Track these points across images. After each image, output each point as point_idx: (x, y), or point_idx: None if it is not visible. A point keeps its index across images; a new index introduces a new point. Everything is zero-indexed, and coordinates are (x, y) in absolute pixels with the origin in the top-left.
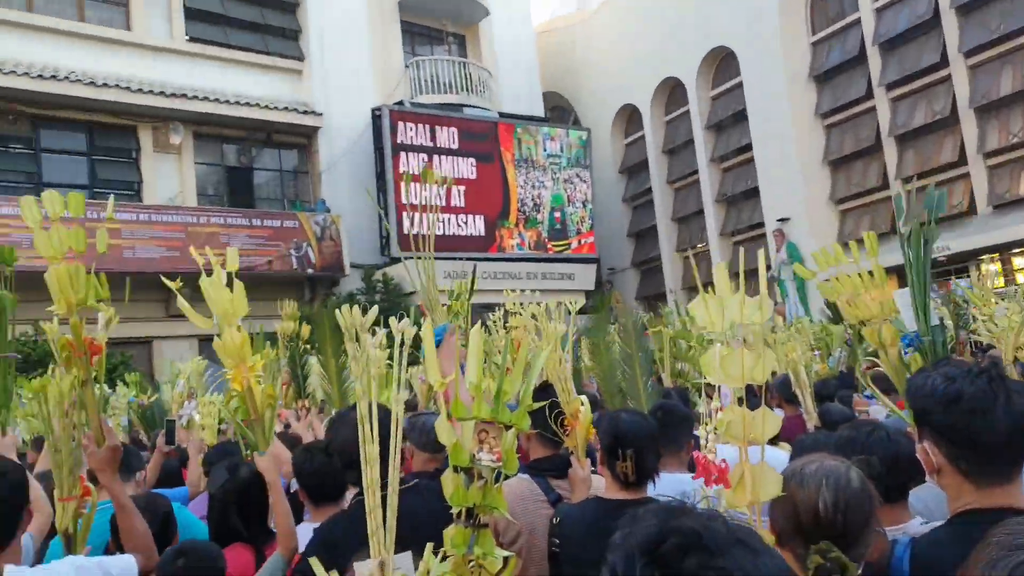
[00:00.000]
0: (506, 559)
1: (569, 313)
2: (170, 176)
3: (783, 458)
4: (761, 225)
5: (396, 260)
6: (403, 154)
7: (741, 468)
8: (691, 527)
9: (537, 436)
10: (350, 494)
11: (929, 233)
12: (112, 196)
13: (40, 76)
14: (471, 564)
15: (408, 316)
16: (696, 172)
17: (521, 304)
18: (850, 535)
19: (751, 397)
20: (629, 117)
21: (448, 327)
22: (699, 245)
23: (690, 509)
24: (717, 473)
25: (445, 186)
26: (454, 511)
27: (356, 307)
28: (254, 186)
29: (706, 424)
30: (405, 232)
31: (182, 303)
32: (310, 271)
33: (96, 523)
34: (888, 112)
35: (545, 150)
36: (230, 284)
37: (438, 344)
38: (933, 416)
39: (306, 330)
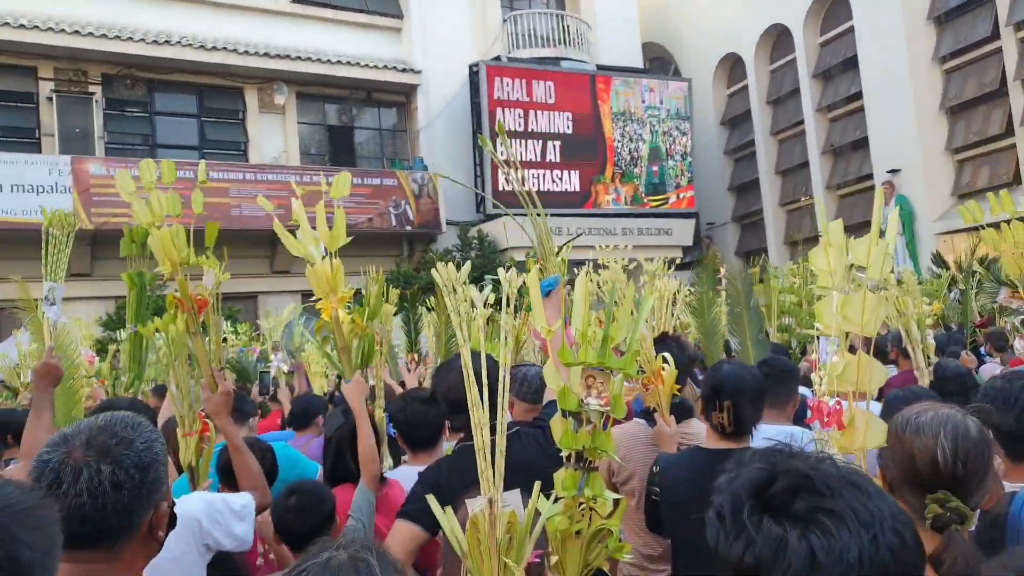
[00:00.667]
0: (616, 501)
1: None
2: (275, 136)
3: (876, 409)
4: (869, 177)
5: (491, 217)
6: (499, 110)
7: (851, 413)
8: (801, 469)
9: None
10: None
11: None
12: (202, 161)
13: (154, 42)
14: (581, 506)
15: (505, 271)
16: (802, 122)
17: (613, 260)
18: (968, 484)
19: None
20: (732, 67)
21: (559, 279)
22: (804, 198)
23: (799, 452)
24: (830, 415)
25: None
26: (564, 454)
27: (451, 264)
28: (355, 144)
29: (820, 370)
30: (500, 188)
31: (279, 228)
32: (408, 228)
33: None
34: (1016, 54)
35: (644, 102)
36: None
37: (548, 294)
38: None
39: (394, 295)
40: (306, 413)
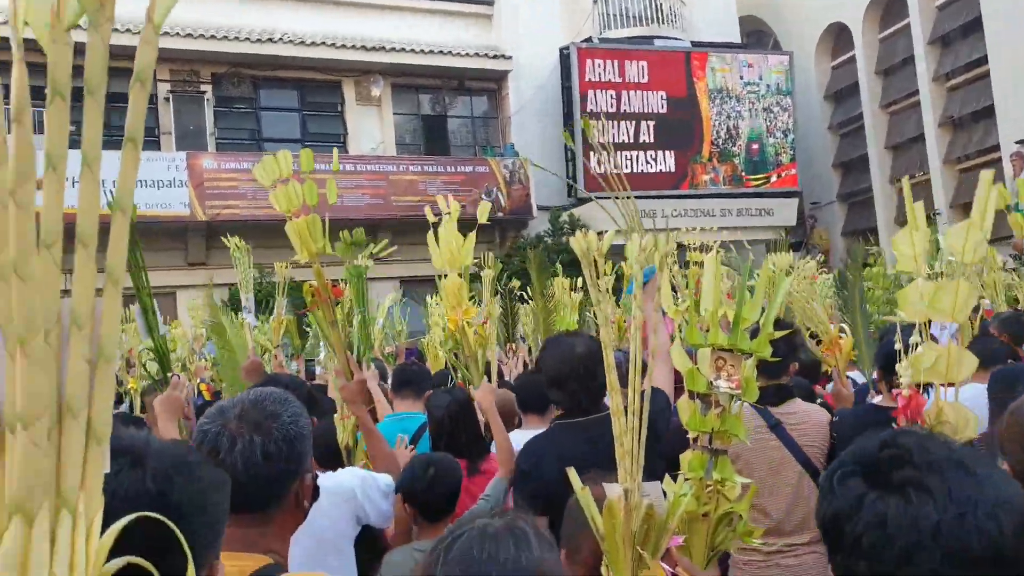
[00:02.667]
0: (746, 485)
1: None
2: (372, 127)
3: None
4: (995, 149)
5: (583, 201)
6: (591, 92)
7: (938, 407)
8: (908, 444)
9: (759, 366)
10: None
11: None
12: (336, 148)
13: (258, 40)
14: (709, 489)
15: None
16: (915, 93)
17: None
18: None
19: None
20: (837, 37)
21: (654, 268)
22: (918, 174)
23: (916, 431)
24: (915, 408)
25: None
26: (691, 436)
27: (591, 232)
28: (448, 133)
29: (904, 362)
30: (593, 172)
31: (431, 240)
32: (499, 215)
33: None
34: None
35: (742, 78)
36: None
37: (644, 284)
38: None
39: (488, 275)
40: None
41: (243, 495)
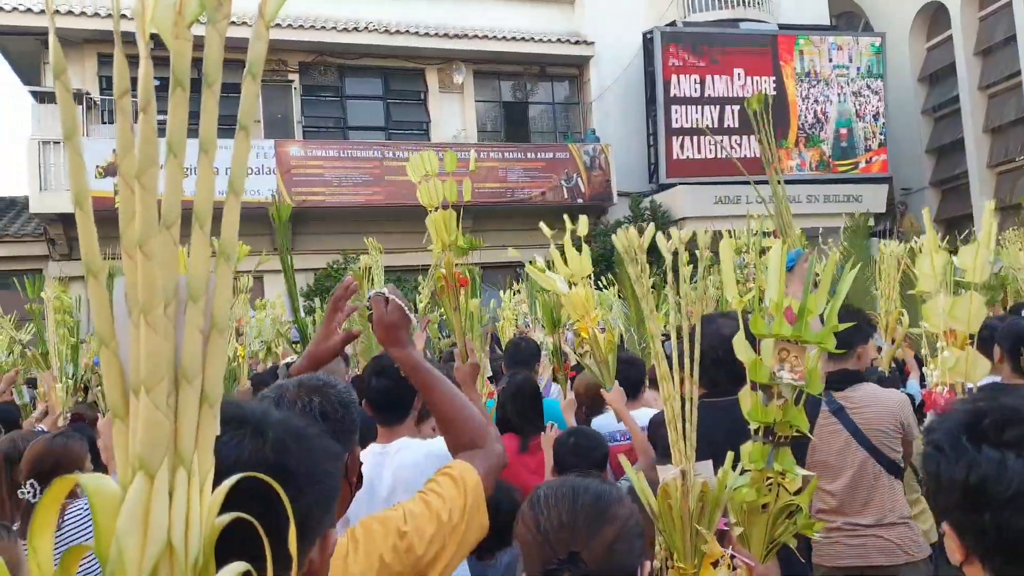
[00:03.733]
0: (806, 478)
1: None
2: (454, 114)
3: None
4: None
5: (664, 187)
6: (675, 77)
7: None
8: (1008, 404)
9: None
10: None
11: None
12: (473, 153)
13: (345, 29)
14: (768, 480)
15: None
16: (1019, 73)
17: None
18: None
19: None
20: (933, 17)
21: (803, 253)
22: (1020, 159)
23: (1003, 393)
24: (943, 405)
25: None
26: (752, 427)
27: (632, 228)
28: (529, 119)
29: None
30: (675, 158)
31: (531, 270)
32: (579, 201)
33: None
34: None
35: (831, 61)
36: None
37: (791, 268)
38: None
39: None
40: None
41: None
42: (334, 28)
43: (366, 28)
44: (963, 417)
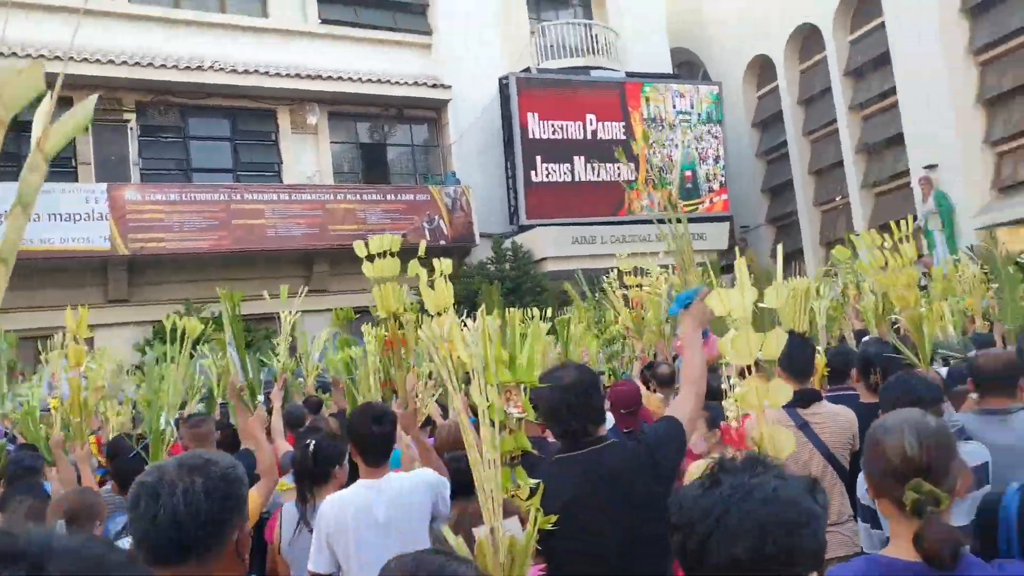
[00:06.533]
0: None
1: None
2: (307, 156)
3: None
4: (906, 174)
5: (524, 228)
6: (531, 121)
7: (759, 430)
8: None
9: (785, 374)
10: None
11: None
12: (424, 250)
13: (187, 67)
14: (514, 496)
15: (540, 285)
16: (834, 121)
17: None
18: (937, 471)
19: None
20: (761, 68)
21: (701, 290)
22: (839, 198)
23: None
24: (738, 437)
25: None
26: (502, 457)
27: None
28: (387, 161)
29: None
30: (533, 201)
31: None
32: (442, 242)
33: None
34: None
35: (675, 107)
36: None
37: (687, 305)
38: None
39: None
40: None
41: (185, 539)
42: (175, 66)
43: (211, 67)
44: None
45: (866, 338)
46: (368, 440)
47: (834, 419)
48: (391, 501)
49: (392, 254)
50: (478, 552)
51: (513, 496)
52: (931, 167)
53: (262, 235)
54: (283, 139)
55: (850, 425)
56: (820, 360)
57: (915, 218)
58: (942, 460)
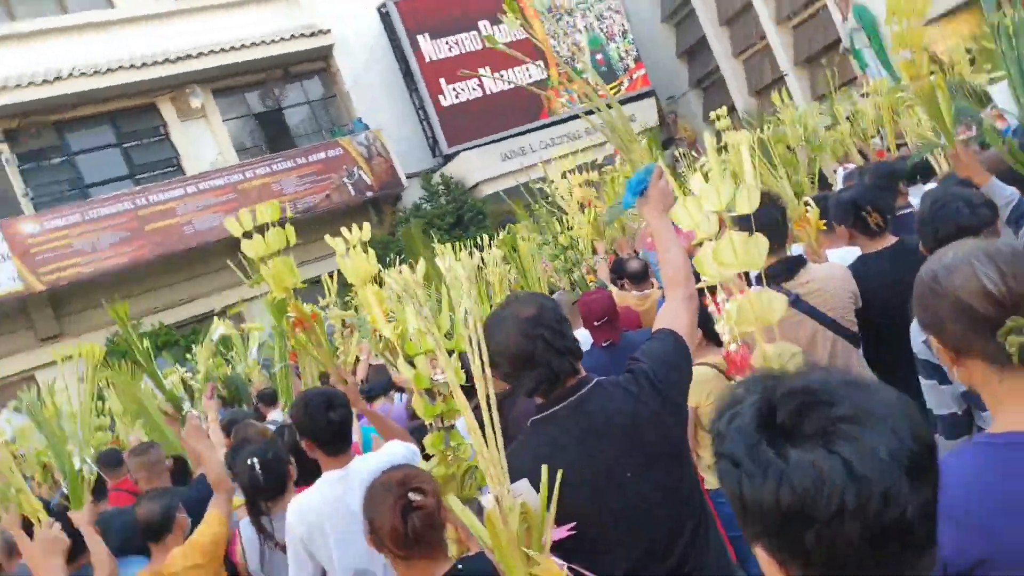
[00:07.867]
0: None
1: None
2: (204, 141)
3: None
4: None
5: (449, 158)
6: (422, 42)
7: (761, 352)
8: (797, 386)
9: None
10: None
11: None
12: (273, 202)
13: (46, 81)
14: (450, 457)
15: (481, 211)
16: None
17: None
18: None
19: None
20: None
21: (654, 168)
22: (757, 43)
23: (786, 372)
24: (740, 361)
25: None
26: (427, 422)
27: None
28: (289, 126)
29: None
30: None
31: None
32: (369, 194)
33: None
34: None
35: None
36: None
37: (642, 193)
38: None
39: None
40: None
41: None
42: (31, 83)
43: (71, 74)
44: (754, 413)
45: (839, 173)
46: (326, 430)
47: (827, 282)
48: (364, 485)
49: (279, 224)
50: (488, 526)
51: (451, 456)
52: None
53: (180, 234)
54: (173, 130)
55: (846, 282)
56: (813, 214)
57: (839, 42)
58: None
